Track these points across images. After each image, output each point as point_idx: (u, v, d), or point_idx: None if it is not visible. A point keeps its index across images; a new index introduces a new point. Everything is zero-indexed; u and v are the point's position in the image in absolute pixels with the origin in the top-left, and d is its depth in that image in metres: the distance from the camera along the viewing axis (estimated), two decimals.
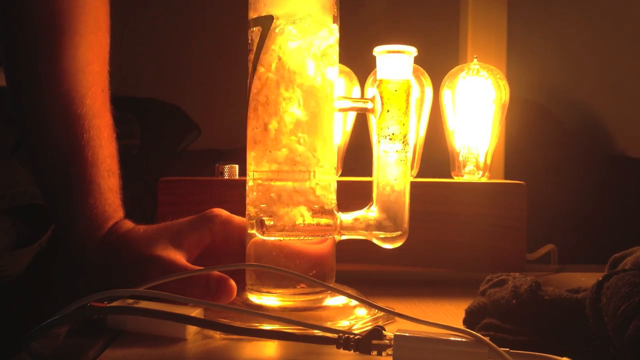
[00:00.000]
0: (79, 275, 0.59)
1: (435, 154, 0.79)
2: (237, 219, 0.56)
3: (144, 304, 0.45)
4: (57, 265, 0.76)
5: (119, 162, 0.61)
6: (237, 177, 0.70)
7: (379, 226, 0.51)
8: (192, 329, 0.45)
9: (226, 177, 0.70)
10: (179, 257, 0.52)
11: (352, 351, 0.40)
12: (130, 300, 0.47)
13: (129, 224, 0.58)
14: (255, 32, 0.49)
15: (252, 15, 0.50)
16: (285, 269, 0.48)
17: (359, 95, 0.73)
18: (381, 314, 0.49)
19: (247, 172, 0.51)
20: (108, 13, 0.63)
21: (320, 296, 0.50)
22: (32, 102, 0.59)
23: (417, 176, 0.74)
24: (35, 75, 0.59)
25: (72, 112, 0.58)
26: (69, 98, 0.58)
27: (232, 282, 0.49)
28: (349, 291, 0.49)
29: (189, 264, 0.52)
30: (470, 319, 0.47)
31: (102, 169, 0.58)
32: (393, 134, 0.51)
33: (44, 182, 0.60)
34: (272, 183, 0.49)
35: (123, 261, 0.54)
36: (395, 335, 0.39)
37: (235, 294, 0.49)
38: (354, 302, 0.50)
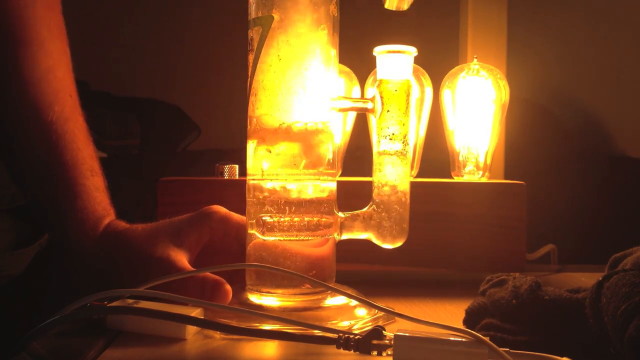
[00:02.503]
0: (78, 276, 0.59)
1: (435, 154, 0.79)
2: (235, 216, 0.55)
3: (144, 304, 0.45)
4: (57, 265, 0.76)
5: (99, 163, 0.61)
6: (237, 177, 0.70)
7: (379, 226, 0.51)
8: (192, 329, 0.45)
9: (226, 177, 0.70)
10: (181, 258, 0.52)
11: (352, 351, 0.40)
12: (130, 300, 0.46)
13: (124, 223, 0.58)
14: (255, 32, 0.49)
15: (252, 15, 0.50)
16: (286, 269, 0.48)
17: (359, 95, 0.73)
18: (381, 314, 0.49)
19: (247, 172, 0.51)
20: (61, 21, 0.63)
21: (320, 296, 0.50)
22: (2, 112, 0.60)
23: (417, 176, 0.74)
24: (0, 87, 0.59)
25: (42, 119, 0.58)
26: (37, 106, 0.59)
27: (227, 287, 0.49)
28: (349, 291, 0.49)
29: (190, 267, 0.52)
30: (470, 319, 0.47)
31: (84, 169, 0.59)
32: (393, 134, 0.51)
33: (30, 192, 0.61)
34: (272, 183, 0.49)
35: (124, 261, 0.54)
36: (395, 335, 0.39)
37: (230, 297, 0.49)
38: (354, 302, 0.50)
